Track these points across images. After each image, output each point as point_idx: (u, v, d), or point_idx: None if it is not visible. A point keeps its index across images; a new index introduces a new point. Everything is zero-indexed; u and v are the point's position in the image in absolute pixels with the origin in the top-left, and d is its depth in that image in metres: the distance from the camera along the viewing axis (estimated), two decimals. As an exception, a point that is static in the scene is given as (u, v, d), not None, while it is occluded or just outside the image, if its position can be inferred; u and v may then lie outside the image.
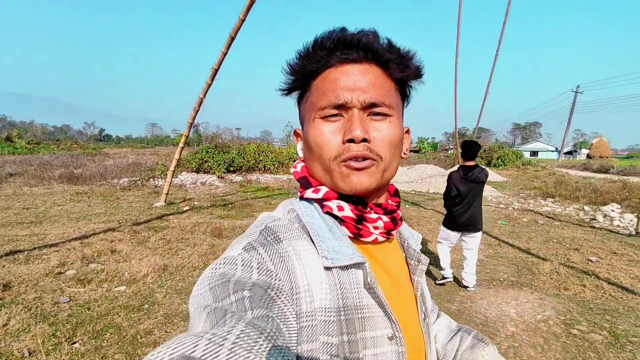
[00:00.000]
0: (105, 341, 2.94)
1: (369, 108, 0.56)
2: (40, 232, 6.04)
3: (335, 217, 0.58)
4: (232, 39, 7.51)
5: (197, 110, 8.45)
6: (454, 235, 4.35)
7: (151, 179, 12.75)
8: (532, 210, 9.72)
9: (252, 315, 0.41)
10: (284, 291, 0.48)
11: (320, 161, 0.58)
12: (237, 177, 15.23)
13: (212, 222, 7.02)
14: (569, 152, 70.46)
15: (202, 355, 0.34)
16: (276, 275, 0.49)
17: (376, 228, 0.59)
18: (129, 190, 11.15)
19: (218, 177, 14.95)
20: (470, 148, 4.12)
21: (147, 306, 3.58)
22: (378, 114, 0.56)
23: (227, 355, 0.35)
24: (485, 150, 25.56)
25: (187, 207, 8.64)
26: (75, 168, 15.42)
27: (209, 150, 16.23)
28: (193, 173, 15.24)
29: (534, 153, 70.99)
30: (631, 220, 8.01)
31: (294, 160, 19.74)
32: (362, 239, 0.59)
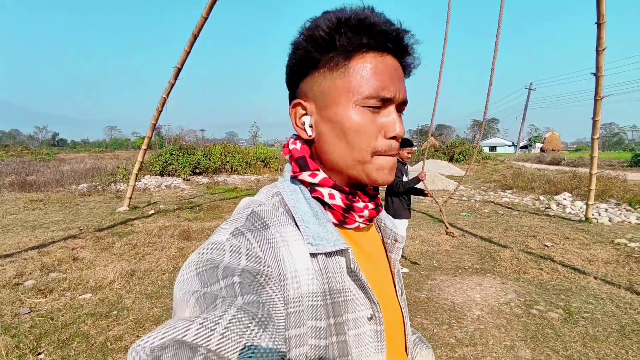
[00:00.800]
0: (73, 350, 2.83)
1: (400, 105, 0.57)
2: (-7, 242, 5.67)
3: (322, 202, 0.59)
4: (195, 37, 7.36)
5: (160, 111, 8.21)
6: None
7: (112, 184, 12.26)
8: (492, 202, 10.20)
9: (242, 300, 0.41)
10: (273, 278, 0.48)
11: (355, 150, 0.56)
12: (203, 179, 14.92)
13: (179, 225, 6.86)
14: (525, 146, 74.22)
15: (193, 340, 0.34)
16: (265, 262, 0.48)
17: (361, 217, 0.60)
18: (89, 195, 10.65)
19: (183, 179, 14.59)
20: None
21: (115, 312, 3.47)
22: (401, 111, 0.59)
23: (219, 339, 0.34)
24: (447, 146, 26.49)
25: (152, 211, 8.38)
26: (28, 175, 14.51)
27: (173, 152, 15.79)
28: (157, 176, 14.76)
29: (493, 148, 74.25)
30: (581, 207, 8.60)
31: (262, 161, 19.56)
32: (345, 225, 0.60)
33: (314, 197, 0.58)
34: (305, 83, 0.58)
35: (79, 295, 3.82)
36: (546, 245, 5.76)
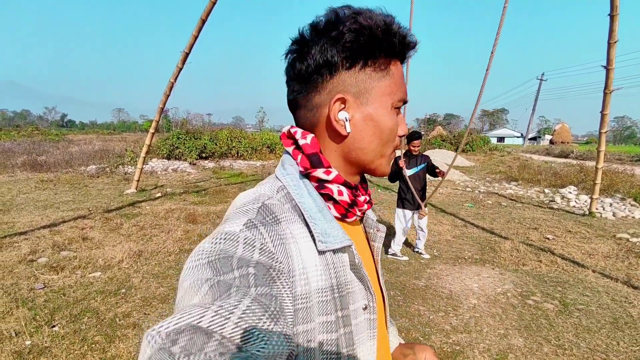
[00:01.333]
0: (84, 324, 2.98)
1: None
2: (8, 220, 5.85)
3: (329, 197, 0.60)
4: (203, 21, 7.36)
5: (168, 95, 8.28)
6: None
7: (120, 166, 12.42)
8: (496, 193, 10.21)
9: (256, 292, 0.42)
10: (284, 274, 0.49)
11: (382, 146, 0.61)
12: (209, 164, 15.05)
13: (185, 209, 7.00)
14: (534, 138, 73.34)
15: (208, 326, 0.35)
16: (276, 258, 0.49)
17: (360, 210, 0.63)
18: (98, 177, 10.84)
19: (190, 163, 14.72)
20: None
21: (124, 290, 3.61)
22: None
23: (232, 328, 0.36)
24: (454, 136, 26.32)
25: (159, 194, 8.53)
26: (38, 155, 14.76)
27: (180, 136, 15.89)
28: (164, 160, 14.92)
29: (501, 139, 73.38)
30: (585, 201, 8.59)
31: (268, 147, 19.53)
32: (346, 219, 0.62)
33: (322, 194, 0.59)
34: (346, 78, 0.57)
35: (89, 273, 3.97)
36: (547, 238, 5.81)
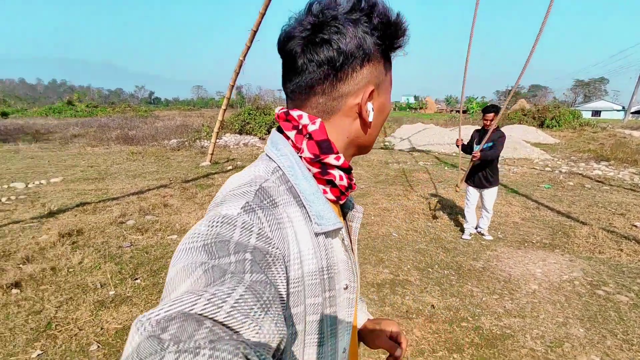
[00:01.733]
0: (162, 279, 3.43)
1: None
2: (103, 187, 6.77)
3: (325, 181, 0.60)
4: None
5: (237, 73, 8.69)
6: None
7: (197, 140, 13.44)
8: (580, 174, 9.25)
9: (250, 279, 0.41)
10: (279, 259, 0.48)
11: (379, 130, 0.65)
12: (278, 139, 15.57)
13: (253, 181, 7.43)
14: (638, 112, 63.97)
15: (200, 313, 0.34)
16: (273, 243, 0.49)
17: (350, 192, 0.65)
18: (178, 150, 11.88)
19: (260, 138, 15.39)
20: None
21: (195, 253, 4.05)
22: None
23: (224, 317, 0.35)
24: (538, 110, 23.96)
25: (230, 167, 9.14)
26: (130, 130, 16.52)
27: (251, 112, 16.60)
28: (236, 134, 15.76)
29: (597, 112, 65.23)
30: (692, 186, 7.46)
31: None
32: (339, 202, 0.63)
33: (321, 179, 0.59)
34: (373, 70, 0.57)
35: (168, 235, 4.49)
36: (635, 225, 5.21)
